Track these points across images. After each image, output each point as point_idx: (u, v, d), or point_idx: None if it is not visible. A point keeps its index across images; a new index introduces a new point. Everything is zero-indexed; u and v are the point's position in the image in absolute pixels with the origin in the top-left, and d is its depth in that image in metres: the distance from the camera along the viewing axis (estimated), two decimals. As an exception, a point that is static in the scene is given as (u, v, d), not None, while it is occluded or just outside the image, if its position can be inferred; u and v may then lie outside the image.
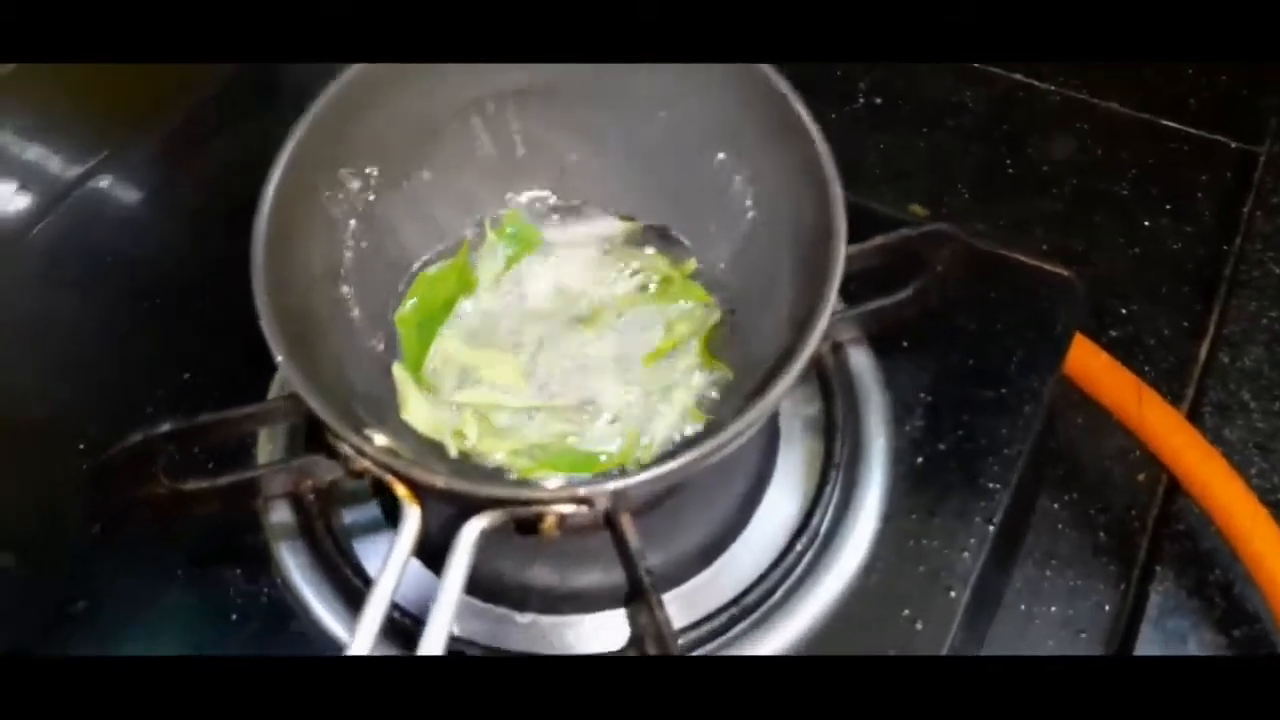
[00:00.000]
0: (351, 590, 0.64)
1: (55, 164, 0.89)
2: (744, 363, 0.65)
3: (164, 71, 0.89)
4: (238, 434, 0.66)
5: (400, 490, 0.55)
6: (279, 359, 0.55)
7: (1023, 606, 0.74)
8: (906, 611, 0.64)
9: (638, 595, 0.58)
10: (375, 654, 0.54)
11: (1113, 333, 0.83)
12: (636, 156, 0.70)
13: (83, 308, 0.81)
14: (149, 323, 0.80)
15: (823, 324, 0.55)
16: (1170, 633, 0.71)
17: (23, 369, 0.78)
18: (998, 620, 0.73)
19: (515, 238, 0.71)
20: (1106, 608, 0.74)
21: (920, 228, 0.63)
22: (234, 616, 0.65)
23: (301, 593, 0.65)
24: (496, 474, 0.63)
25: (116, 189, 0.89)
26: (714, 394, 0.66)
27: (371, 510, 0.68)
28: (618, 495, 0.55)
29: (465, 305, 0.69)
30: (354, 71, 0.63)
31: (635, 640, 0.61)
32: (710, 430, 0.61)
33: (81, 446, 0.72)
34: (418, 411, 0.65)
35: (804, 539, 0.65)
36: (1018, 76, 0.97)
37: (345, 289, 0.66)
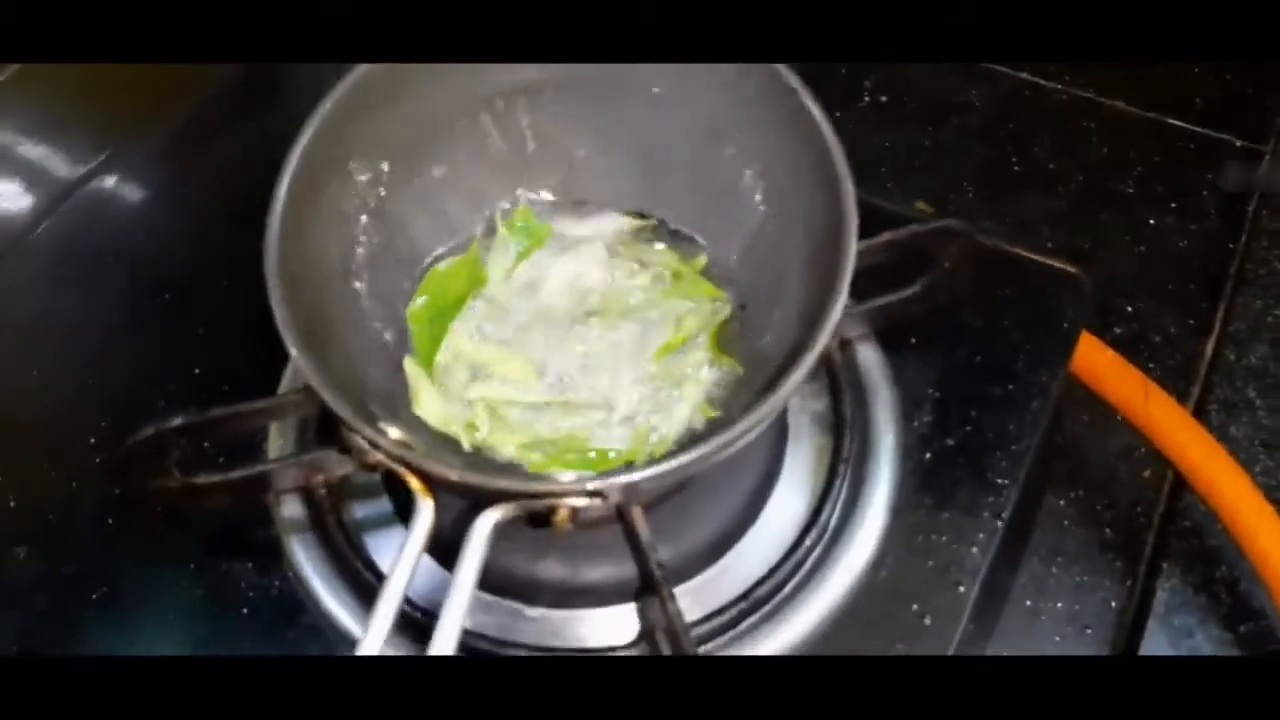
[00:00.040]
0: (362, 584, 0.64)
1: (59, 163, 0.89)
2: (754, 358, 0.65)
3: (167, 70, 0.89)
4: (249, 428, 0.66)
5: (414, 483, 0.55)
6: (293, 354, 0.55)
7: (1029, 603, 0.74)
8: (915, 606, 0.64)
9: (649, 588, 0.58)
10: (388, 649, 0.54)
11: (1118, 330, 0.83)
12: (646, 152, 0.70)
13: (90, 305, 0.81)
14: (157, 319, 0.80)
15: (834, 319, 0.56)
16: (1176, 629, 0.71)
17: (33, 365, 0.78)
18: (1004, 616, 0.73)
19: (525, 232, 0.71)
20: (1113, 604, 0.74)
21: (929, 224, 0.63)
22: (245, 610, 0.66)
23: (312, 586, 0.65)
24: (509, 468, 0.63)
25: (121, 187, 0.89)
26: (724, 389, 0.66)
27: (382, 505, 0.68)
28: (629, 488, 0.55)
29: (476, 301, 0.69)
30: (365, 68, 0.64)
31: (645, 634, 0.61)
32: (720, 425, 0.61)
33: (93, 441, 0.72)
34: (429, 406, 0.65)
35: (813, 534, 0.65)
36: (1024, 75, 0.97)
37: (357, 284, 0.66)
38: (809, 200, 0.62)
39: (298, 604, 0.65)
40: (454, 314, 0.68)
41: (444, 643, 0.53)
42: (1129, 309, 0.84)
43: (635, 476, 0.54)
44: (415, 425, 0.64)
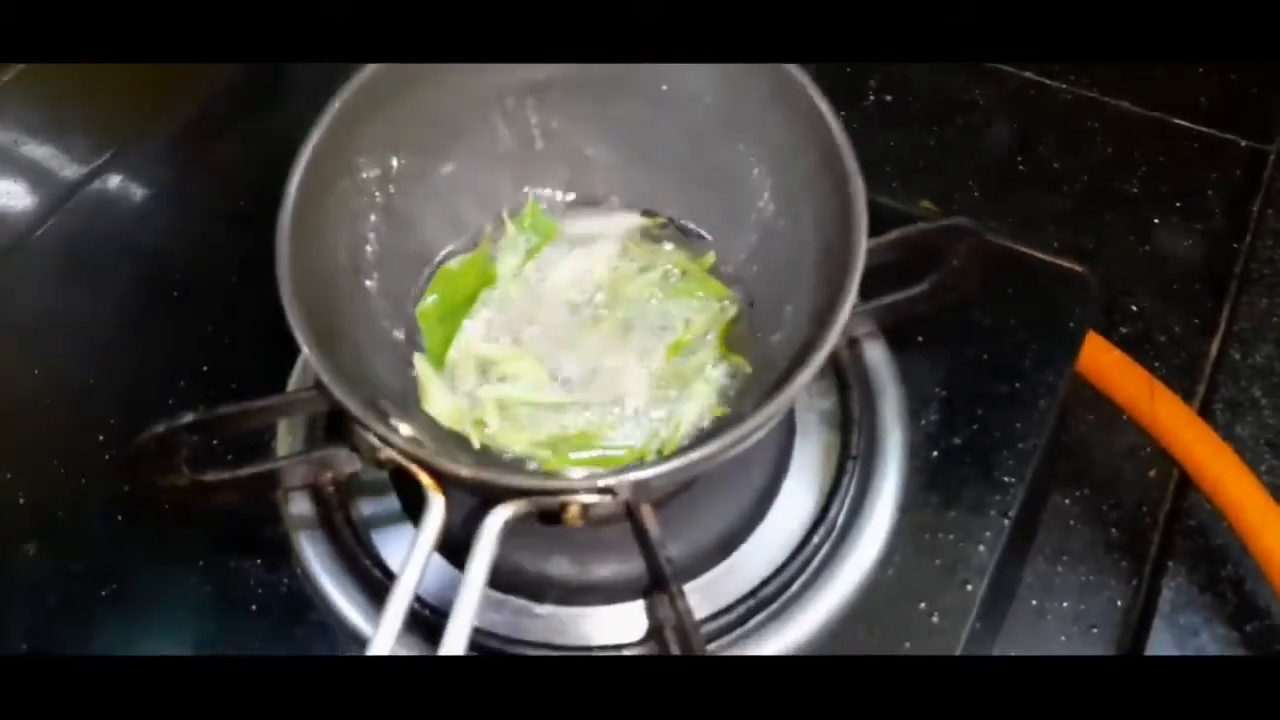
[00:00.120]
0: (370, 581, 0.64)
1: (63, 162, 0.90)
2: (762, 356, 0.65)
3: (170, 70, 0.89)
4: (258, 425, 0.66)
5: (425, 480, 0.55)
6: (305, 351, 0.55)
7: (1035, 602, 0.74)
8: (923, 605, 0.64)
9: (658, 585, 0.58)
10: (399, 647, 0.54)
11: (1123, 330, 0.83)
12: (655, 150, 0.70)
13: (96, 303, 0.81)
14: (164, 317, 0.80)
15: (844, 317, 0.56)
16: (1182, 628, 0.71)
17: (40, 363, 0.79)
18: (1010, 615, 0.73)
19: (533, 228, 0.71)
20: (1118, 603, 0.74)
21: (938, 222, 0.63)
22: (254, 606, 0.66)
23: (321, 583, 0.65)
24: (519, 465, 0.63)
25: (124, 186, 0.89)
26: (732, 387, 0.66)
27: (391, 502, 0.68)
28: (640, 485, 0.55)
29: (486, 299, 0.69)
30: (374, 66, 0.64)
31: (654, 631, 0.62)
32: (730, 422, 0.61)
33: (101, 438, 0.72)
34: (439, 403, 0.65)
35: (820, 531, 0.65)
36: (1028, 75, 0.97)
37: (367, 282, 0.66)
38: (818, 198, 0.62)
39: (306, 601, 0.66)
40: (464, 312, 0.68)
41: (455, 641, 0.53)
42: (1134, 308, 0.84)
43: (646, 473, 0.54)
44: (425, 423, 0.64)
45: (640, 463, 0.63)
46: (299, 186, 0.60)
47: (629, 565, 0.63)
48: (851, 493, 0.67)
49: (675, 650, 0.60)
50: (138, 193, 0.89)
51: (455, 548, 0.57)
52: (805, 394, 0.71)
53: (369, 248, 0.66)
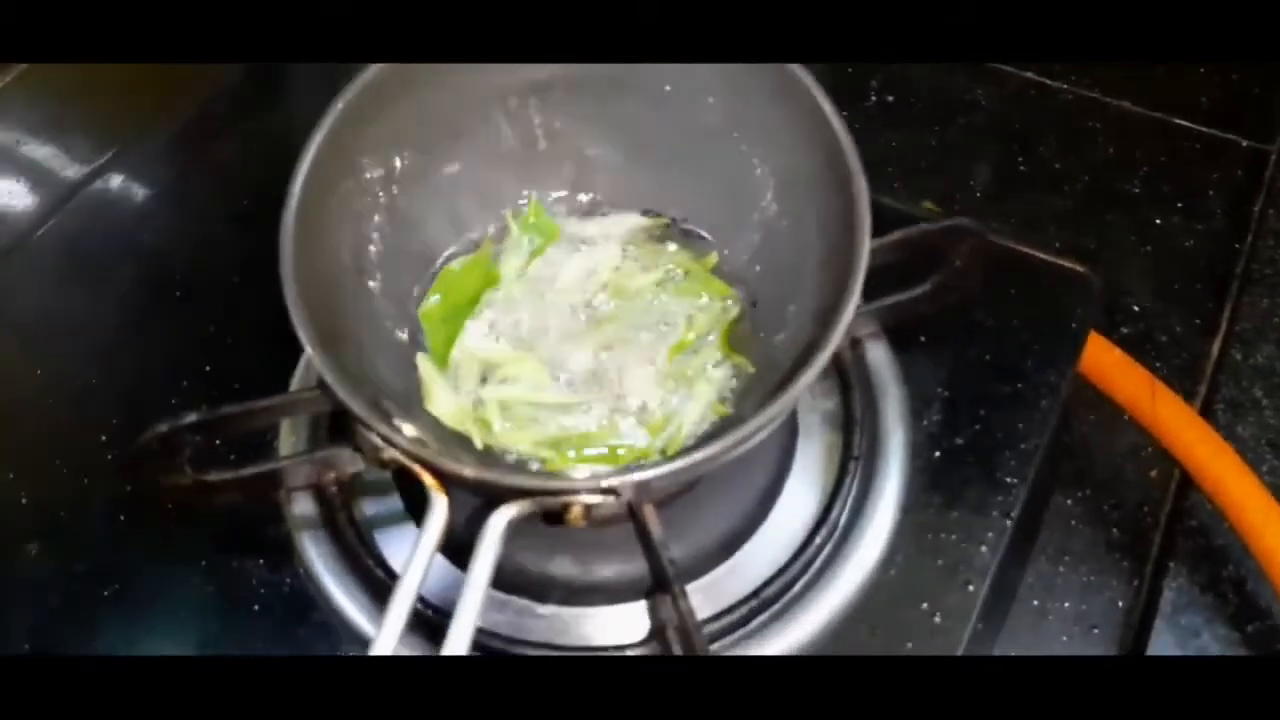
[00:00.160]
0: (373, 581, 0.64)
1: (64, 162, 0.90)
2: (765, 357, 0.65)
3: (171, 70, 0.89)
4: (261, 425, 0.66)
5: (428, 480, 0.56)
6: (309, 351, 0.55)
7: (1036, 602, 0.74)
8: (925, 605, 0.64)
9: (661, 586, 0.58)
10: (402, 648, 0.54)
11: (1125, 330, 0.83)
12: (657, 151, 0.70)
13: (98, 303, 0.81)
14: (166, 317, 0.80)
15: (847, 318, 0.56)
16: (1183, 629, 0.71)
17: (42, 363, 0.79)
18: (1012, 615, 0.73)
19: (536, 228, 0.71)
20: (1120, 603, 0.74)
21: (940, 223, 0.63)
22: (256, 607, 0.66)
23: (323, 583, 0.65)
24: (522, 465, 0.64)
25: (126, 186, 0.89)
26: (735, 387, 0.66)
27: (393, 502, 0.68)
28: (642, 486, 0.55)
29: (489, 300, 0.69)
30: (377, 66, 0.64)
31: (656, 632, 0.62)
32: (733, 423, 0.61)
33: (104, 438, 0.72)
34: (442, 403, 0.65)
35: (823, 532, 0.65)
36: (1029, 75, 0.97)
37: (370, 283, 0.66)
38: (821, 198, 0.62)
39: (308, 601, 0.66)
40: (468, 313, 0.68)
41: (458, 641, 0.53)
42: (1135, 309, 0.85)
43: (649, 474, 0.54)
44: (428, 423, 0.64)
45: (643, 463, 0.63)
46: (302, 187, 0.60)
47: (631, 565, 0.63)
48: (854, 493, 0.67)
49: (678, 651, 0.60)
50: (139, 192, 0.89)
51: (458, 548, 0.57)
52: (808, 394, 0.71)
53: (372, 248, 0.66)
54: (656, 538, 0.57)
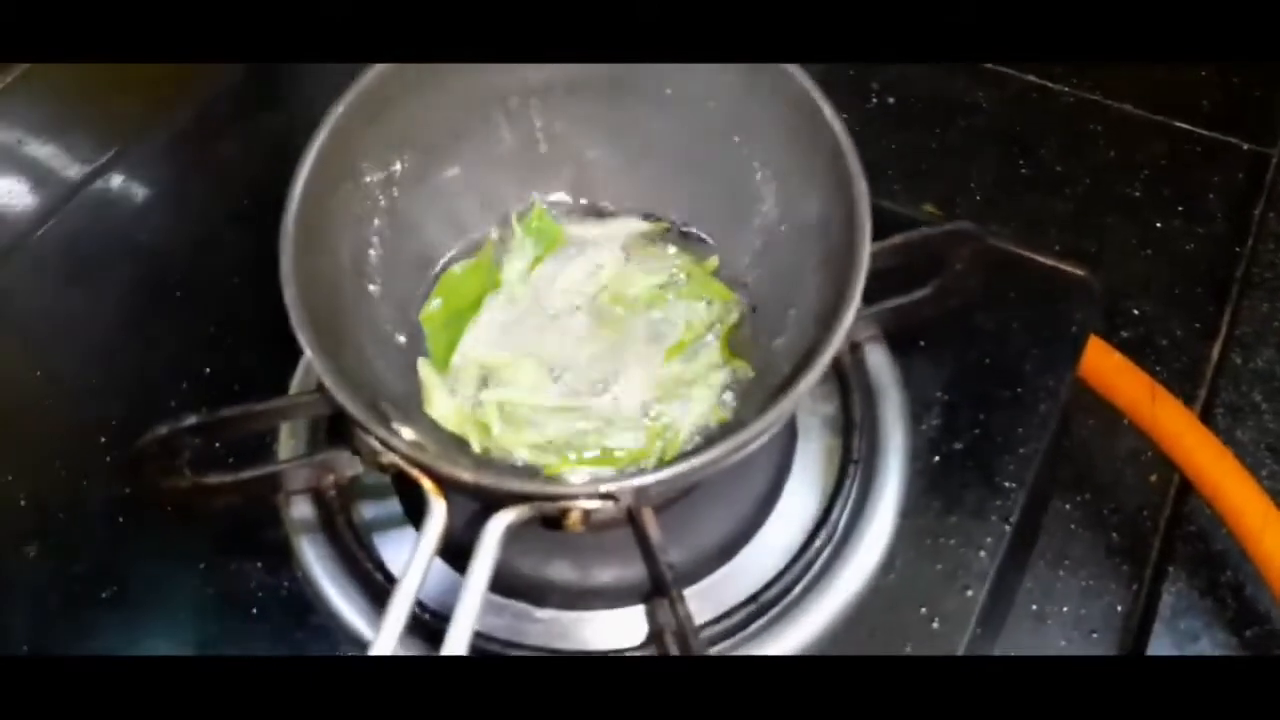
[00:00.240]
0: (372, 584, 0.64)
1: (65, 161, 0.90)
2: (765, 361, 0.65)
3: (172, 70, 0.90)
4: (261, 428, 0.66)
5: (427, 484, 0.56)
6: (308, 354, 0.55)
7: (1035, 606, 0.74)
8: (924, 610, 0.64)
9: (659, 590, 0.58)
10: (400, 651, 0.54)
11: (1125, 333, 0.83)
12: (658, 154, 0.70)
13: (98, 303, 0.81)
14: (166, 318, 0.80)
15: (848, 321, 0.56)
16: (1182, 633, 0.71)
17: (41, 364, 0.79)
18: (1011, 620, 0.73)
19: (540, 233, 0.71)
20: (1119, 608, 0.74)
21: (941, 226, 0.63)
22: (254, 610, 0.66)
23: (321, 586, 0.65)
24: (521, 469, 0.63)
25: (127, 186, 0.89)
26: (735, 391, 0.66)
27: (392, 505, 0.68)
28: (641, 491, 0.55)
29: (490, 304, 0.69)
30: (378, 69, 0.64)
31: (654, 636, 0.62)
32: (732, 427, 0.61)
33: (103, 440, 0.72)
34: (442, 407, 0.65)
35: (822, 536, 0.65)
36: (1030, 78, 0.97)
37: (371, 286, 0.66)
38: (821, 202, 0.62)
39: (307, 604, 0.66)
40: (468, 317, 0.68)
41: (456, 645, 0.53)
42: (1135, 312, 0.84)
43: (648, 479, 0.54)
44: (427, 426, 0.64)
45: (642, 468, 0.63)
46: (303, 189, 0.60)
47: (630, 570, 0.63)
48: (853, 497, 0.67)
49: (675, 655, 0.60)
50: (140, 192, 0.90)
51: (457, 552, 0.57)
52: (807, 398, 0.70)
53: (372, 251, 0.66)
54: (655, 542, 0.57)
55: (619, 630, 0.64)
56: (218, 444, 0.65)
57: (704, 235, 0.71)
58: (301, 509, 0.67)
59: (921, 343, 0.73)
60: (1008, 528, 0.67)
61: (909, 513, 0.67)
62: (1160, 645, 0.70)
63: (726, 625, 0.63)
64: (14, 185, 0.88)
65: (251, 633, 0.65)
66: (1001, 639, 0.72)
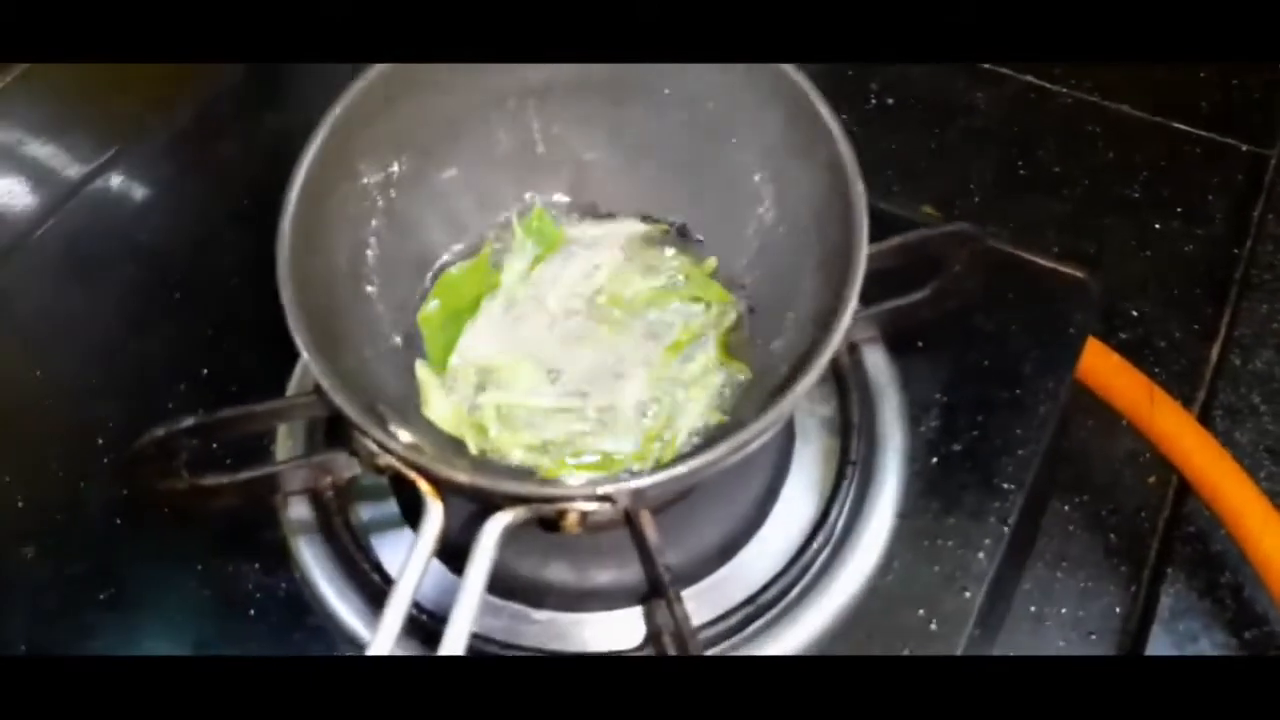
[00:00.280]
0: (369, 586, 0.64)
1: (65, 161, 0.90)
2: (763, 363, 0.65)
3: (172, 69, 0.90)
4: (258, 429, 0.67)
5: (424, 486, 0.56)
6: (305, 356, 0.55)
7: (1033, 608, 0.74)
8: (921, 611, 0.64)
9: (656, 592, 0.58)
10: (397, 652, 0.54)
11: (1123, 335, 0.83)
12: (656, 155, 0.70)
13: (96, 304, 0.81)
14: (164, 318, 0.80)
15: (846, 323, 0.56)
16: (1181, 635, 0.71)
17: (40, 364, 0.79)
18: (1009, 621, 0.73)
19: (540, 234, 0.71)
20: (1117, 609, 0.74)
21: (940, 228, 0.63)
22: (252, 611, 0.66)
23: (319, 588, 0.65)
24: (518, 471, 0.63)
25: (126, 186, 0.89)
26: (732, 393, 0.66)
27: (389, 507, 0.68)
28: (638, 493, 0.55)
29: (488, 305, 0.69)
30: (376, 70, 0.64)
31: (652, 637, 0.62)
32: (730, 429, 0.61)
33: (101, 441, 0.72)
34: (439, 408, 0.65)
35: (820, 537, 0.65)
36: (1029, 78, 0.97)
37: (368, 288, 0.66)
38: (819, 203, 0.62)
39: (304, 605, 0.66)
40: (466, 318, 0.68)
41: (453, 646, 0.53)
42: (1134, 313, 0.84)
43: (645, 481, 0.54)
44: (424, 428, 0.64)
45: (639, 471, 0.63)
46: (300, 190, 0.60)
47: (627, 571, 0.63)
48: (851, 498, 0.67)
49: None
50: (139, 192, 0.89)
51: (454, 553, 0.57)
52: (805, 399, 0.70)
53: (370, 252, 0.66)
54: (652, 544, 0.57)
55: (617, 632, 0.64)
56: (215, 445, 0.65)
57: (702, 237, 0.71)
58: (299, 510, 0.67)
59: (920, 344, 0.73)
60: (1006, 529, 0.67)
61: (907, 514, 0.67)
62: (1159, 646, 0.70)
63: (724, 627, 0.63)
64: (14, 185, 0.88)
65: (249, 633, 0.65)
66: (1000, 640, 0.72)
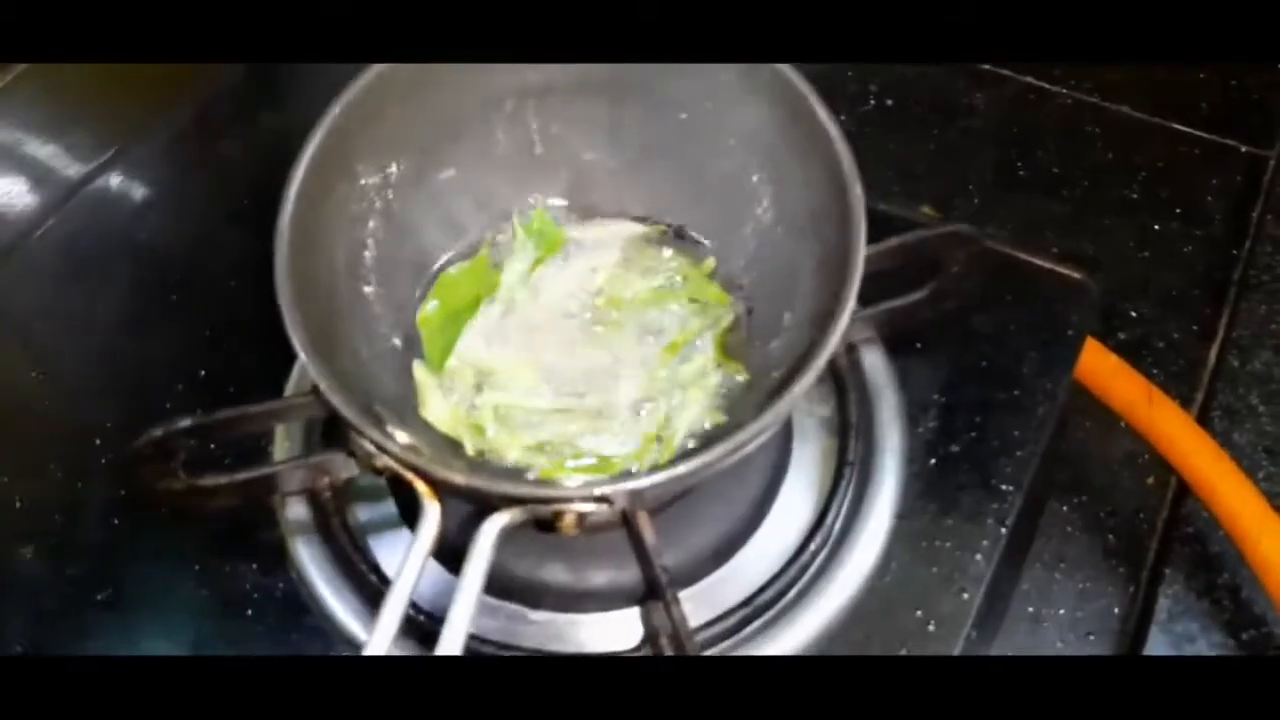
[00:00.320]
0: (366, 586, 0.64)
1: (65, 161, 0.90)
2: (761, 364, 0.65)
3: (172, 69, 0.89)
4: (256, 430, 0.67)
5: (421, 487, 0.56)
6: (302, 356, 0.55)
7: (1031, 609, 0.74)
8: (919, 612, 0.64)
9: (654, 593, 0.58)
10: (394, 653, 0.54)
11: (1122, 335, 0.83)
12: (654, 156, 0.70)
13: (95, 304, 0.81)
14: (163, 319, 0.80)
15: (843, 324, 0.56)
16: (1179, 636, 0.71)
17: (38, 364, 0.79)
18: (1007, 622, 0.73)
19: (541, 235, 0.71)
20: (1115, 610, 0.73)
21: (938, 229, 0.63)
22: (249, 611, 0.66)
23: (316, 588, 0.65)
24: (515, 472, 0.63)
25: (126, 185, 0.89)
26: (730, 394, 0.66)
27: (387, 508, 0.68)
28: (635, 494, 0.55)
29: (486, 307, 0.69)
30: (374, 70, 0.64)
31: (649, 639, 0.62)
32: (728, 430, 0.61)
33: (99, 441, 0.72)
34: (436, 409, 0.65)
35: (817, 538, 0.65)
36: (1028, 79, 0.97)
37: (366, 288, 0.66)
38: (817, 204, 0.62)
39: (301, 606, 0.66)
40: (465, 319, 0.68)
41: (450, 647, 0.53)
42: (1133, 314, 0.84)
43: (642, 483, 0.54)
44: (422, 429, 0.64)
45: (637, 472, 0.63)
46: (298, 191, 0.60)
47: (624, 572, 0.63)
48: (849, 499, 0.67)
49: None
50: (139, 192, 0.89)
51: (451, 554, 0.57)
52: (803, 400, 0.70)
53: (368, 253, 0.66)
54: (649, 545, 0.57)
55: (614, 633, 0.64)
56: (213, 446, 0.64)
57: (700, 237, 0.71)
58: (297, 511, 0.67)
59: (918, 345, 0.73)
60: (1004, 530, 0.67)
61: (905, 515, 0.67)
62: (1157, 647, 0.70)
63: (722, 628, 0.63)
64: (13, 185, 0.88)
65: (246, 633, 0.65)
66: (998, 641, 0.72)
